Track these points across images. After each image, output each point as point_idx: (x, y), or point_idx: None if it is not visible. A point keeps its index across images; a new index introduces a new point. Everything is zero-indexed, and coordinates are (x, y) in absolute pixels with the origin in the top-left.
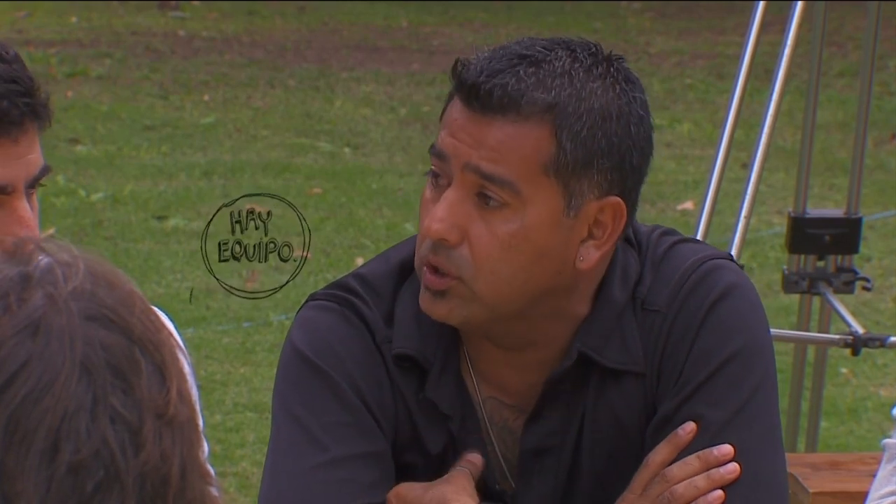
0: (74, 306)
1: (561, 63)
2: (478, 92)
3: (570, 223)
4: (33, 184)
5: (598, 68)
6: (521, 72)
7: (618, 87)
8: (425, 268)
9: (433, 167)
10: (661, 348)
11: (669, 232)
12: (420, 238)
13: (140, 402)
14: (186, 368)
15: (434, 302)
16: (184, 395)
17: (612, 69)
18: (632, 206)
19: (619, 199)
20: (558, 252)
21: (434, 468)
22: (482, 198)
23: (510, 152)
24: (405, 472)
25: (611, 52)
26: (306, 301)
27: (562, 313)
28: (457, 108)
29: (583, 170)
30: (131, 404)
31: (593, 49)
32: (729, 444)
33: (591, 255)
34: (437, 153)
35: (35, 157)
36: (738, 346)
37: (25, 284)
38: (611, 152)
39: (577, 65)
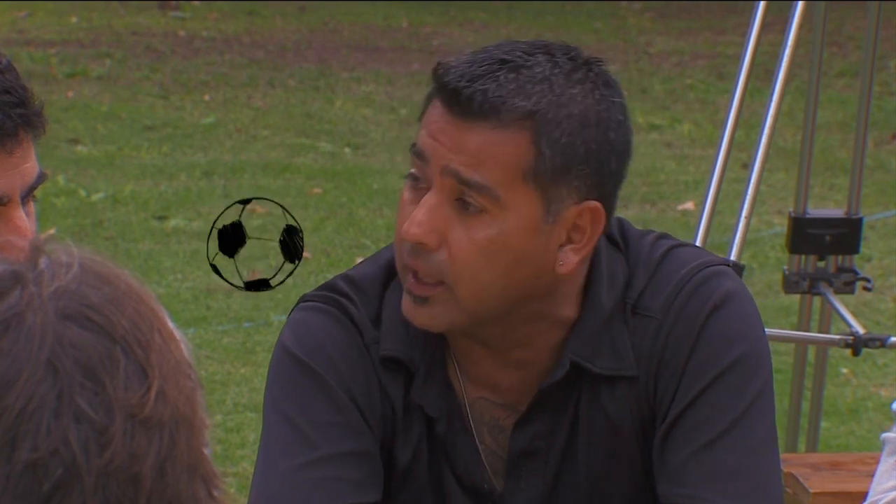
0: (52, 305)
1: (541, 69)
2: (458, 97)
3: (548, 228)
4: (29, 192)
5: (577, 73)
6: (502, 77)
7: (597, 92)
8: (409, 274)
9: (413, 170)
10: (658, 354)
11: (665, 236)
12: (398, 240)
13: (110, 401)
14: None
15: (416, 308)
16: (168, 396)
17: (591, 73)
18: (609, 209)
19: (597, 203)
20: (537, 257)
21: (408, 473)
22: (461, 203)
23: (489, 158)
24: (391, 473)
25: (589, 55)
26: (297, 303)
27: (546, 316)
28: (437, 111)
29: (562, 176)
30: (100, 403)
31: (572, 53)
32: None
33: (571, 260)
34: (416, 152)
35: (30, 165)
36: (739, 354)
37: (11, 283)
38: (589, 158)
39: (556, 70)
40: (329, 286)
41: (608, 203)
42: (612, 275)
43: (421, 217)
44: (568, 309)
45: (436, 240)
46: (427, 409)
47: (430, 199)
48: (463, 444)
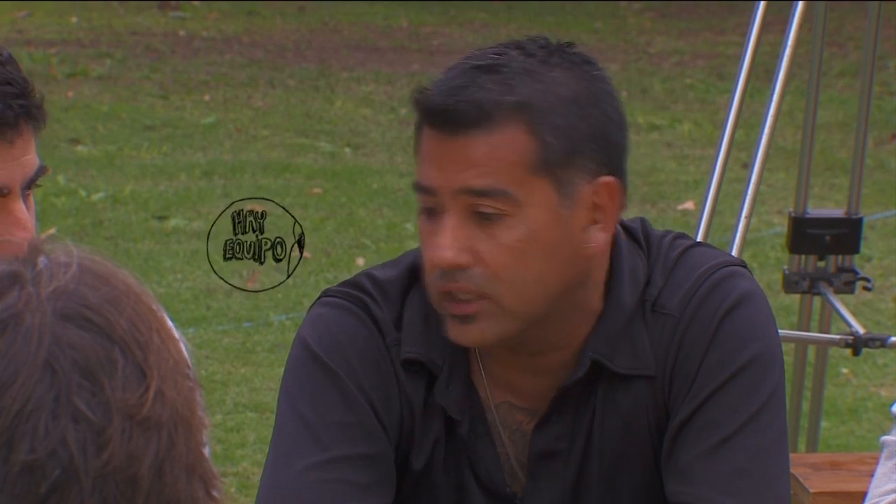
0: (50, 305)
1: (517, 63)
2: (446, 113)
3: (568, 213)
4: (29, 185)
5: (553, 58)
6: (481, 81)
7: (578, 70)
8: (446, 299)
9: (423, 204)
10: (674, 353)
11: (682, 236)
12: (428, 269)
13: (108, 402)
14: (189, 371)
15: (464, 328)
16: (166, 397)
17: (565, 55)
18: (622, 180)
19: (610, 177)
20: (566, 243)
21: (424, 476)
22: (479, 215)
23: (495, 162)
24: (406, 475)
25: (559, 40)
26: (319, 297)
27: (580, 307)
28: (430, 138)
29: (568, 159)
30: (97, 404)
31: (542, 42)
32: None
33: (599, 238)
34: (423, 189)
35: (30, 158)
36: (753, 354)
37: (10, 283)
38: (593, 136)
39: (531, 59)
40: (353, 283)
41: (620, 176)
42: (633, 273)
43: (446, 241)
44: (596, 300)
45: (468, 257)
46: (450, 411)
47: (448, 220)
48: (485, 447)
